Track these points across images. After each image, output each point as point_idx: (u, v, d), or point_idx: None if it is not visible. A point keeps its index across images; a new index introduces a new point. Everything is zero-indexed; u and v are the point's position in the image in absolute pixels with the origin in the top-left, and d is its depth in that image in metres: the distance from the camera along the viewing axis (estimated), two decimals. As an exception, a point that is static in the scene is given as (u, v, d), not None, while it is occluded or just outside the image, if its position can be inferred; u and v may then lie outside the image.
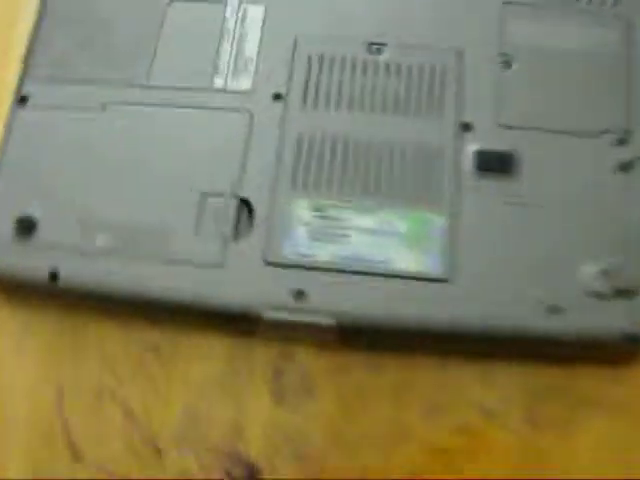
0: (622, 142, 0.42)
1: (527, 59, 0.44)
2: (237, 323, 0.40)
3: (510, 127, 0.42)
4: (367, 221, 0.40)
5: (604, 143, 0.42)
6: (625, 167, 0.41)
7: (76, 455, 0.41)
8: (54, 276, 0.40)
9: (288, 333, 0.40)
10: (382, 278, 0.39)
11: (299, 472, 0.40)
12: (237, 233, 0.40)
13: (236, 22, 0.45)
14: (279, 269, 0.39)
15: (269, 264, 0.39)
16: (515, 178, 0.41)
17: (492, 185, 0.41)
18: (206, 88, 0.43)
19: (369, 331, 0.39)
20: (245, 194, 0.41)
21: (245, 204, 0.41)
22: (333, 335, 0.39)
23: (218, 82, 0.43)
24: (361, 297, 0.39)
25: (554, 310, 0.38)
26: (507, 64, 0.44)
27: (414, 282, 0.39)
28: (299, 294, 0.39)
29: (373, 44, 0.44)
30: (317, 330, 0.39)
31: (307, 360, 0.41)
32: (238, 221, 0.40)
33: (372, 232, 0.40)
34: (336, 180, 0.41)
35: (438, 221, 0.40)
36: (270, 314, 0.39)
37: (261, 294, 0.39)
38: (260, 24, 0.45)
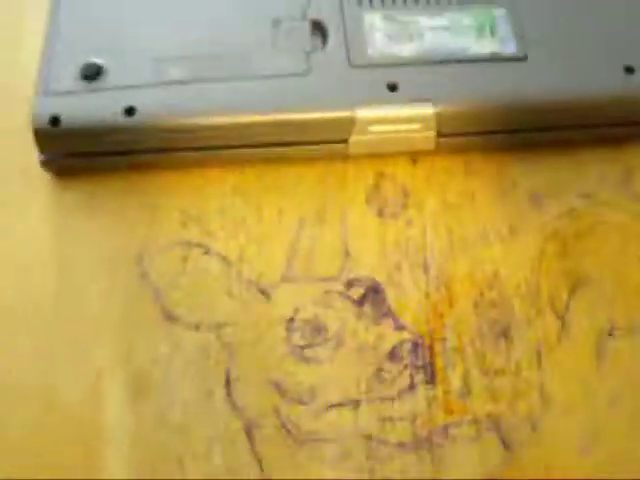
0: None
1: None
2: (328, 144, 0.40)
3: None
4: (437, 21, 0.42)
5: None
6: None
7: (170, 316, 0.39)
8: (130, 110, 0.38)
9: (384, 140, 0.40)
10: (467, 64, 0.40)
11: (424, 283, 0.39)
12: (315, 46, 0.41)
13: None
14: (366, 69, 0.40)
15: (355, 66, 0.40)
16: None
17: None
18: None
19: (465, 120, 0.40)
20: (316, 17, 0.42)
21: (317, 26, 0.42)
22: (431, 131, 0.39)
23: None
24: (451, 83, 0.40)
25: (630, 70, 0.41)
26: None
27: (496, 63, 0.40)
28: (392, 87, 0.39)
29: None
30: (415, 128, 0.39)
31: (405, 172, 0.41)
32: (314, 41, 0.41)
33: (444, 29, 0.41)
34: (398, -2, 0.43)
35: (499, 12, 0.42)
36: (366, 110, 0.39)
37: (353, 93, 0.39)
38: None
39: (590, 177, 0.42)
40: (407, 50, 0.41)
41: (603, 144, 0.42)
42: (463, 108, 0.40)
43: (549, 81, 0.40)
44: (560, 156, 0.42)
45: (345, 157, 0.41)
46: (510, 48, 0.41)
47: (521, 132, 0.41)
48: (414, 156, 0.42)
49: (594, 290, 0.39)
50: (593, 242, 0.40)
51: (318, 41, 0.41)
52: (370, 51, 0.40)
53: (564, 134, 0.42)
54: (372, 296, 0.38)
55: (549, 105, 0.40)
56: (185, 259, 0.39)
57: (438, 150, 0.41)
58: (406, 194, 0.41)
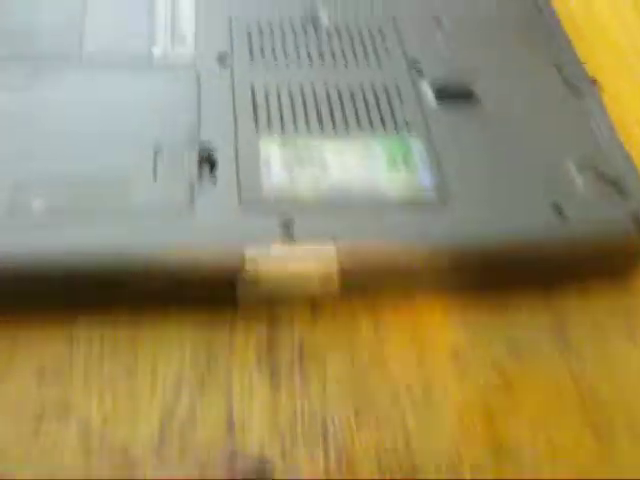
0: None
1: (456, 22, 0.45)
2: (214, 289, 0.34)
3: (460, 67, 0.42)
4: (342, 146, 0.37)
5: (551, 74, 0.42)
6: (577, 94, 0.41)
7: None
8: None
9: (278, 286, 0.34)
10: (375, 200, 0.35)
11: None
12: (202, 178, 0.35)
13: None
14: (259, 204, 0.34)
15: (246, 201, 0.34)
16: (475, 104, 0.40)
17: (455, 111, 0.39)
18: (144, 54, 0.40)
19: (372, 263, 0.34)
20: (205, 144, 0.36)
21: (205, 153, 0.36)
22: (334, 272, 0.33)
23: (156, 49, 0.41)
24: (356, 222, 0.34)
25: (558, 209, 0.36)
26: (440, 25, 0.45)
27: (408, 202, 0.35)
28: (287, 225, 0.34)
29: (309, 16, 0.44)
30: (315, 268, 0.34)
31: (303, 324, 0.35)
32: (201, 167, 0.36)
33: (350, 155, 0.36)
34: (300, 120, 0.38)
35: (415, 143, 0.37)
36: (257, 250, 0.33)
37: (243, 232, 0.33)
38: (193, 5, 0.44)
39: (519, 325, 0.37)
40: (307, 183, 0.35)
41: (532, 288, 0.37)
42: (370, 250, 0.34)
43: (469, 222, 0.35)
44: (484, 302, 0.37)
45: (234, 305, 0.35)
46: (425, 182, 0.36)
47: (440, 275, 0.36)
48: (314, 302, 0.36)
49: (523, 459, 0.33)
50: (521, 402, 0.35)
51: (206, 170, 0.36)
52: (264, 183, 0.35)
53: (488, 277, 0.36)
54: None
55: (469, 249, 0.35)
56: (40, 418, 0.32)
57: (341, 296, 0.35)
58: (303, 352, 0.35)
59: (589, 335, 0.36)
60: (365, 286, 0.35)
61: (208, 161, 0.36)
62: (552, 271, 0.37)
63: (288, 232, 0.34)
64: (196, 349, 0.34)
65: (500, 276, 0.36)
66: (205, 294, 0.34)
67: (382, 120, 0.38)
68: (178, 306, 0.35)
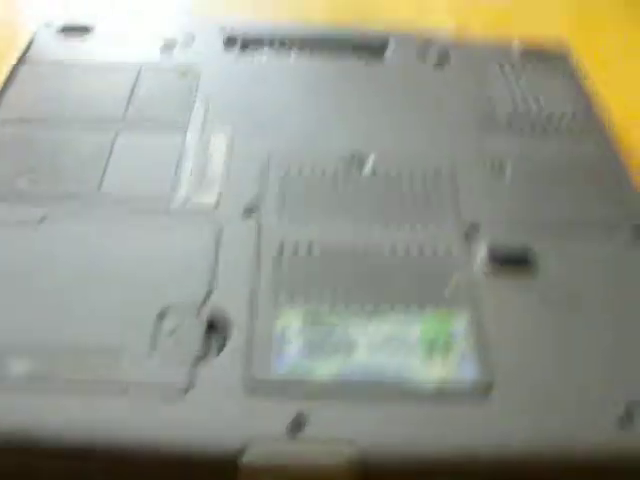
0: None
1: (517, 166, 0.38)
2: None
3: (520, 224, 0.35)
4: (375, 329, 0.30)
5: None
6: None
7: None
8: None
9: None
10: (406, 398, 0.28)
11: None
12: (206, 354, 0.29)
13: (198, 146, 0.39)
14: (268, 392, 0.28)
15: (252, 387, 0.28)
16: (536, 273, 0.33)
17: (512, 281, 0.32)
18: (164, 199, 0.35)
19: (398, 473, 0.27)
20: (216, 311, 0.30)
21: (215, 322, 0.30)
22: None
23: (179, 199, 0.35)
24: (382, 421, 0.27)
25: (629, 415, 0.28)
26: (500, 171, 0.39)
27: (447, 398, 0.28)
28: (299, 421, 0.27)
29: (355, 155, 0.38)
30: (328, 474, 0.27)
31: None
32: (208, 340, 0.30)
33: (383, 341, 0.30)
34: (329, 289, 0.31)
35: (459, 321, 0.31)
36: (258, 451, 0.26)
37: (243, 426, 0.27)
38: (225, 147, 0.39)
39: None
40: (328, 369, 0.29)
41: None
42: (396, 456, 0.27)
43: (518, 428, 0.28)
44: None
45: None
46: (468, 375, 0.29)
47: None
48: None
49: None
50: None
51: (213, 344, 0.30)
52: (277, 366, 0.29)
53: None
54: None
55: (515, 462, 0.27)
56: None
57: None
58: None
59: None
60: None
61: (217, 332, 0.30)
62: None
63: (299, 427, 0.27)
64: None
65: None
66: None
67: (422, 293, 0.31)
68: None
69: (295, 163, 0.38)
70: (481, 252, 0.33)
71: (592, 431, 0.27)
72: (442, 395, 0.28)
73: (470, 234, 0.34)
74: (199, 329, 0.30)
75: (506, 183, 0.37)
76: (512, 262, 0.33)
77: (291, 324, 0.30)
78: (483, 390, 0.28)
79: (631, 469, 0.28)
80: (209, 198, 0.36)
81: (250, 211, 0.35)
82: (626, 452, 0.27)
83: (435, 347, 0.29)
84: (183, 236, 0.34)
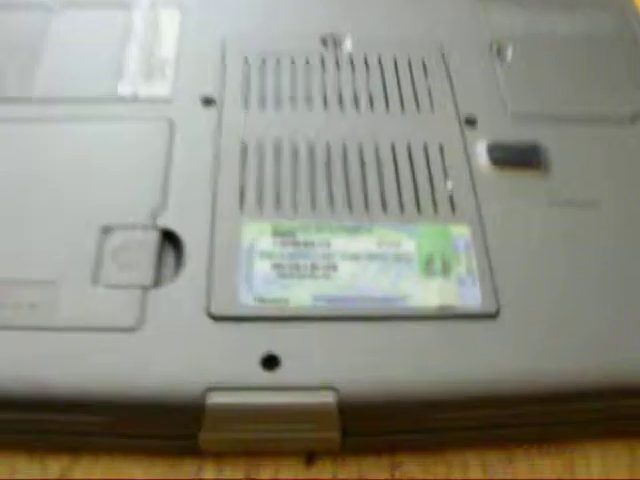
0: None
1: (520, 48, 0.33)
2: (169, 440, 0.23)
3: (523, 117, 0.30)
4: (359, 244, 0.25)
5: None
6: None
7: None
8: None
9: (257, 439, 0.23)
10: (398, 323, 0.23)
11: None
12: (160, 280, 0.25)
13: (146, 26, 0.32)
14: (234, 325, 0.23)
15: (216, 318, 0.23)
16: (544, 173, 0.28)
17: (516, 184, 0.27)
18: (107, 97, 0.29)
19: (381, 413, 0.23)
20: (169, 224, 0.25)
21: (170, 239, 0.25)
22: (332, 431, 0.23)
23: (124, 89, 0.29)
24: (371, 356, 0.23)
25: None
26: (500, 54, 0.33)
27: (449, 323, 0.23)
28: (269, 361, 0.23)
29: (328, 38, 0.32)
30: (307, 424, 0.23)
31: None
32: (161, 264, 0.25)
33: (369, 258, 0.25)
34: (304, 196, 0.26)
35: (460, 232, 0.26)
36: (223, 395, 0.22)
37: (207, 365, 0.22)
38: (178, 27, 0.32)
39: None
40: (305, 295, 0.24)
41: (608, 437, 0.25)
42: (383, 397, 0.22)
43: (526, 347, 0.23)
44: (544, 459, 0.25)
45: (199, 455, 0.24)
46: (471, 301, 0.24)
47: (481, 429, 0.24)
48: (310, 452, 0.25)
49: None
50: None
51: (167, 268, 0.25)
52: (244, 295, 0.24)
53: (547, 430, 0.25)
54: None
55: (526, 391, 0.23)
56: None
57: (344, 445, 0.24)
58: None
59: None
60: (376, 443, 0.25)
61: (171, 254, 0.25)
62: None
63: (271, 367, 0.23)
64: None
65: (569, 424, 0.25)
66: (159, 439, 0.24)
67: (417, 200, 0.26)
68: (125, 454, 0.25)
69: (260, 45, 0.31)
70: (480, 150, 0.28)
71: (610, 357, 0.24)
72: (440, 325, 0.23)
73: (467, 129, 0.29)
74: (149, 251, 0.25)
75: (507, 67, 0.32)
76: (516, 160, 0.28)
77: (258, 242, 0.25)
78: (487, 318, 0.24)
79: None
80: (160, 88, 0.29)
81: (209, 102, 0.29)
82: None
83: (432, 266, 0.24)
84: (130, 136, 0.28)
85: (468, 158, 0.28)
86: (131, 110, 0.28)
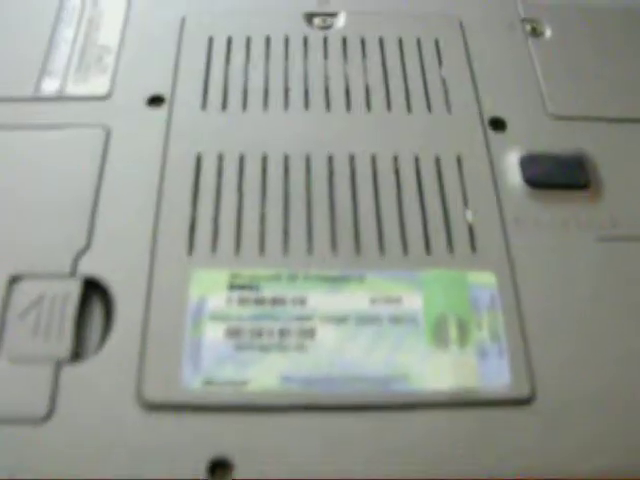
0: None
1: (561, 27, 0.26)
2: None
3: (567, 119, 0.23)
4: (345, 300, 0.18)
5: None
6: None
7: None
8: None
9: None
10: (398, 414, 0.17)
11: None
12: (81, 351, 0.18)
13: (83, 5, 0.25)
14: (171, 417, 0.17)
15: (150, 407, 0.17)
16: (594, 195, 0.21)
17: (560, 211, 0.21)
18: (24, 97, 0.22)
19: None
20: (96, 270, 0.19)
21: (96, 290, 0.19)
22: None
23: (49, 86, 0.23)
24: (361, 460, 0.16)
25: None
26: (535, 32, 0.26)
27: (467, 413, 0.17)
28: (219, 468, 0.16)
29: (314, 14, 0.26)
30: None
31: None
32: (83, 327, 0.19)
33: (359, 321, 0.18)
34: (274, 232, 0.19)
35: (482, 284, 0.19)
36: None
37: (137, 475, 0.17)
38: (124, 5, 0.25)
39: None
40: (269, 377, 0.17)
41: None
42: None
43: (575, 452, 0.17)
44: None
45: None
46: (499, 376, 0.17)
47: None
48: None
49: None
50: None
51: (86, 336, 0.18)
52: (187, 375, 0.17)
53: None
54: None
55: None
56: None
57: None
58: None
59: None
60: None
61: (93, 315, 0.19)
62: None
63: (221, 476, 0.17)
64: None
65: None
66: None
67: (425, 236, 0.19)
68: None
69: (226, 24, 0.24)
70: (510, 164, 0.22)
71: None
72: (454, 416, 0.17)
73: (493, 135, 0.22)
74: (68, 308, 0.18)
75: (545, 52, 0.25)
76: (558, 178, 0.21)
77: (209, 297, 0.18)
78: (518, 405, 0.17)
79: None
80: (95, 84, 0.23)
81: (157, 101, 0.22)
82: None
83: (445, 331, 0.18)
84: (51, 148, 0.21)
85: (494, 176, 0.21)
86: (55, 113, 0.22)
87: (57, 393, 0.17)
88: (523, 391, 0.17)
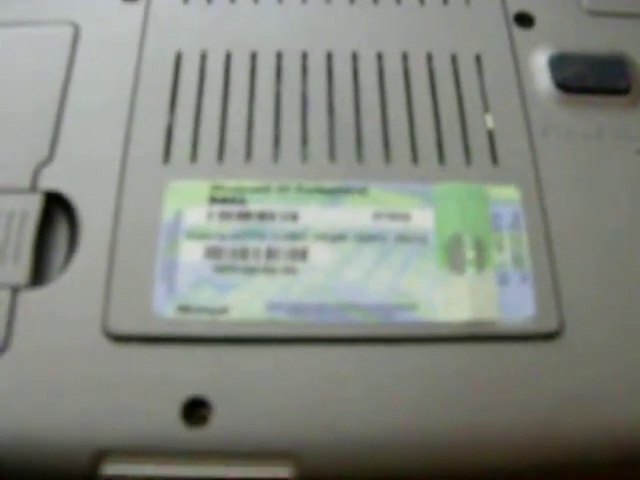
0: None
1: None
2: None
3: (604, 15, 0.20)
4: (344, 215, 0.16)
5: None
6: None
7: None
8: None
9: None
10: (403, 348, 0.14)
11: None
12: (41, 275, 0.16)
13: None
14: (141, 350, 0.15)
15: (117, 339, 0.15)
16: (634, 102, 0.18)
17: (595, 118, 0.18)
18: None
19: None
20: (59, 184, 0.16)
21: (60, 203, 0.17)
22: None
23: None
24: (357, 402, 0.14)
25: None
26: None
27: (484, 348, 0.14)
28: (195, 410, 0.14)
29: None
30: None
31: None
32: (44, 249, 0.17)
33: (359, 240, 0.16)
34: (262, 136, 0.17)
35: (504, 200, 0.16)
36: (120, 469, 0.14)
37: (100, 419, 0.14)
38: None
39: None
40: (251, 304, 0.14)
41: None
42: (372, 468, 0.14)
43: (604, 389, 0.14)
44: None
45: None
46: (523, 306, 0.15)
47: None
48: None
49: None
50: None
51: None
52: (160, 301, 0.14)
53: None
54: None
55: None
56: None
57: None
58: None
59: None
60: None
61: (55, 234, 0.16)
62: None
63: (198, 423, 0.14)
64: None
65: None
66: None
67: (439, 143, 0.16)
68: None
69: None
70: (538, 64, 0.19)
71: None
72: (470, 351, 0.14)
73: (519, 31, 0.19)
74: (26, 227, 0.16)
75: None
76: (594, 81, 0.18)
77: (187, 212, 0.16)
78: (544, 339, 0.15)
79: None
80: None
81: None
82: None
83: (460, 252, 0.15)
84: (11, 49, 0.18)
85: (519, 78, 0.18)
86: (17, 10, 0.19)
87: (13, 323, 0.15)
88: (550, 324, 0.15)
